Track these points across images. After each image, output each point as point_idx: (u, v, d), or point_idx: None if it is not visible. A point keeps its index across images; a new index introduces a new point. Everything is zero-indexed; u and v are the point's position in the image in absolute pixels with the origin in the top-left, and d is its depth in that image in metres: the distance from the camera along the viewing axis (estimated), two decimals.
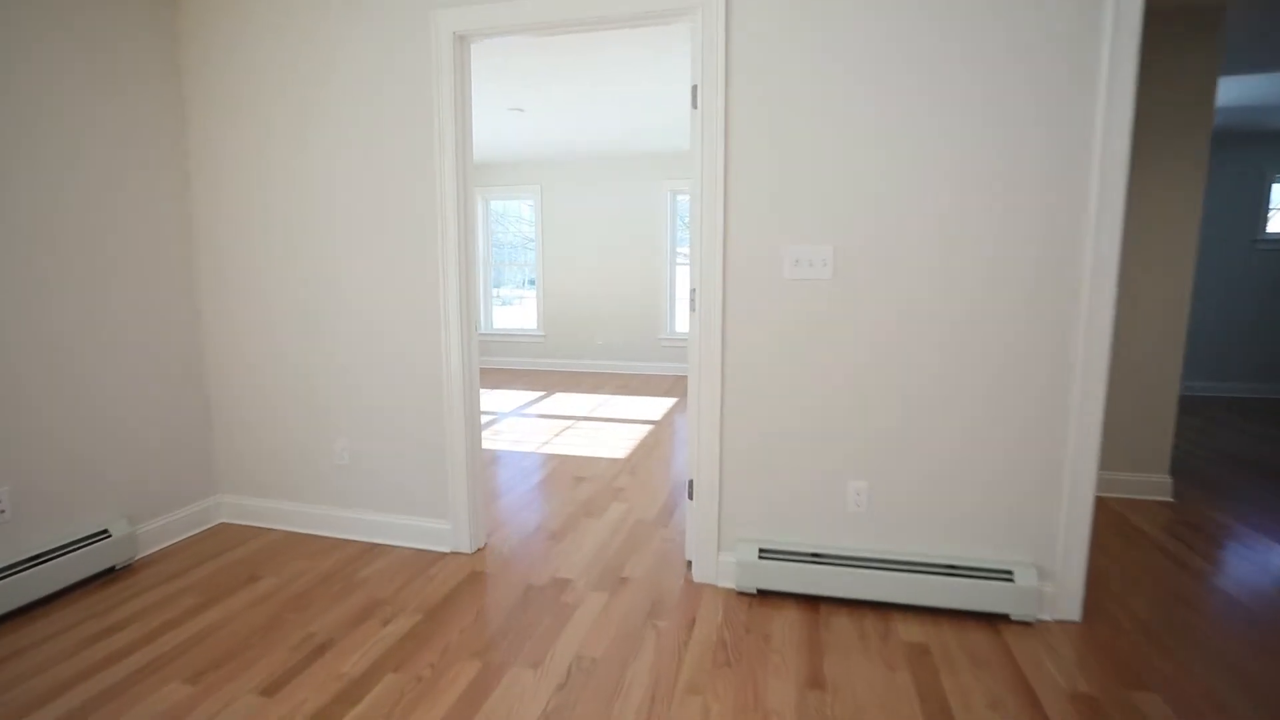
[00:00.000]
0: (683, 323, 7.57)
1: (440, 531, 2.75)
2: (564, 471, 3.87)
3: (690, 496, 2.52)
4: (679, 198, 7.42)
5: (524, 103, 4.84)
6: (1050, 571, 2.17)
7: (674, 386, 6.66)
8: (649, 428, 4.94)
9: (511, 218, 8.23)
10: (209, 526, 3.03)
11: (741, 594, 2.37)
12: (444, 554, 2.72)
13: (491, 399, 6.06)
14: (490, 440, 4.59)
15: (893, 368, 2.21)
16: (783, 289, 2.27)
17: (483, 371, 7.62)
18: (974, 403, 2.16)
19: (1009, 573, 2.15)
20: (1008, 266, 2.08)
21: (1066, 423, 2.10)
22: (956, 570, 2.19)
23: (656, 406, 5.71)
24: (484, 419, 5.26)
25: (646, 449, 4.36)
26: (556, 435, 4.72)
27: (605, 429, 4.91)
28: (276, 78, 2.70)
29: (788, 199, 2.22)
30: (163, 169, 2.76)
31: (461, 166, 2.55)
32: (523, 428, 4.95)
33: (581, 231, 7.47)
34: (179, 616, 2.22)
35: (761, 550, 2.35)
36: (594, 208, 7.40)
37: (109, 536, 2.49)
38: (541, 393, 6.32)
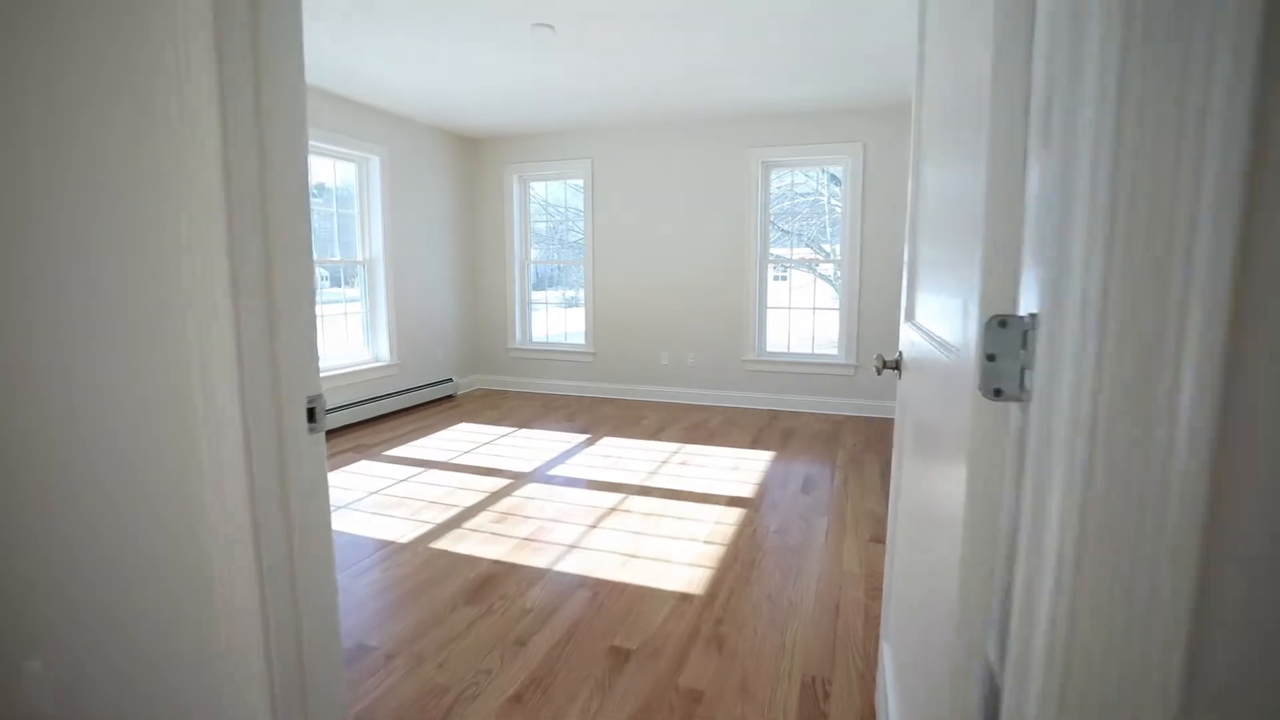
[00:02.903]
0: (777, 339, 5.73)
1: None
2: (593, 624, 2.15)
3: None
4: (774, 173, 5.59)
5: (552, 13, 3.17)
6: None
7: (767, 429, 4.84)
8: (738, 514, 3.16)
9: (556, 205, 6.62)
10: None
11: None
12: None
13: (516, 446, 4.42)
14: (490, 536, 2.92)
15: None
16: None
17: (517, 398, 6.01)
18: None
19: None
20: None
21: None
22: None
23: (745, 467, 3.92)
24: (496, 483, 3.61)
25: (737, 568, 2.59)
26: (594, 526, 3.01)
27: (670, 513, 3.17)
28: None
29: None
30: None
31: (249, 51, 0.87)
32: (546, 505, 3.27)
33: (642, 218, 5.76)
34: None
35: None
36: (658, 186, 5.67)
37: None
38: (585, 436, 4.64)
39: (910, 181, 1.43)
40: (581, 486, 3.56)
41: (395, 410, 5.27)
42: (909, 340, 1.41)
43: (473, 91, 4.55)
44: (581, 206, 6.04)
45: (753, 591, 2.39)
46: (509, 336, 6.33)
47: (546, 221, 6.68)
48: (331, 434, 4.61)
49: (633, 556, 2.69)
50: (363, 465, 3.91)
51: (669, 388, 5.84)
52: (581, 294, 6.10)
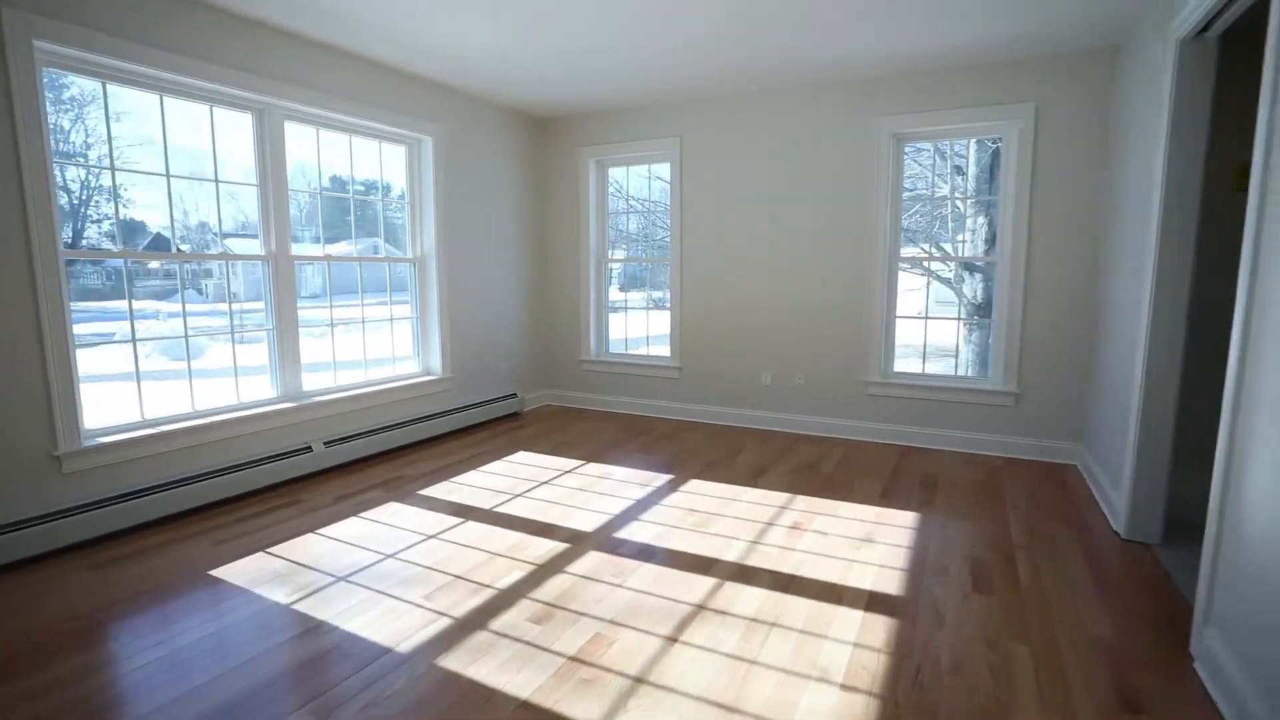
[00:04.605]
0: (908, 359, 4.59)
1: None
2: None
3: None
4: (911, 150, 4.46)
5: None
6: None
7: (899, 474, 3.74)
8: (884, 629, 2.13)
9: (639, 198, 5.73)
10: None
11: None
12: None
13: (580, 488, 3.55)
14: (524, 649, 2.04)
15: None
16: None
17: (590, 419, 5.16)
18: None
19: None
20: None
21: None
22: None
23: (880, 537, 2.86)
24: (548, 548, 2.74)
25: None
26: (674, 639, 2.07)
27: (784, 620, 2.18)
28: None
29: None
30: None
31: None
32: (609, 594, 2.36)
33: (741, 208, 4.77)
34: None
35: None
36: (760, 169, 4.66)
37: None
38: (667, 477, 3.71)
39: None
40: (659, 560, 2.63)
41: (448, 431, 4.54)
42: None
43: (539, 55, 3.73)
44: (667, 199, 5.12)
45: None
46: (582, 347, 5.49)
47: (628, 213, 5.82)
48: (365, 463, 3.90)
49: (733, 711, 1.73)
50: (389, 510, 3.15)
51: (771, 413, 4.82)
52: (668, 294, 5.17)
